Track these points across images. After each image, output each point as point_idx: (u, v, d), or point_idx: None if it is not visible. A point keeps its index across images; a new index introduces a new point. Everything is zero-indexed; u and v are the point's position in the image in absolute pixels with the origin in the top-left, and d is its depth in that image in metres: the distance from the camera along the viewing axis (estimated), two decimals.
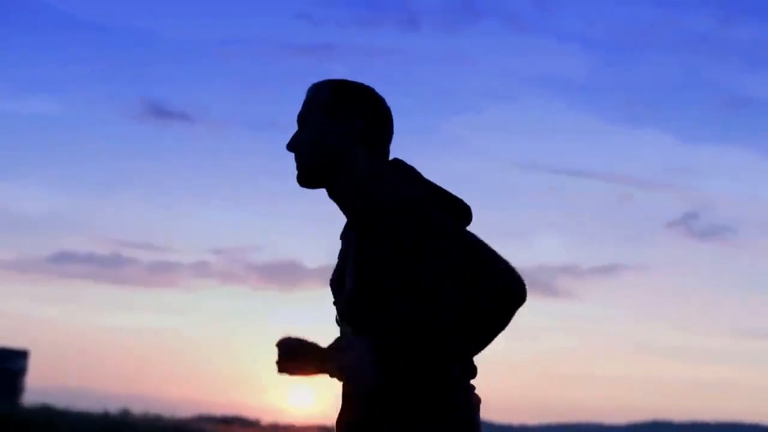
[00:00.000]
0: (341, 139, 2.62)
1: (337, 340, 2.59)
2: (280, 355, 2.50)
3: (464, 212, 2.59)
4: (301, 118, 2.68)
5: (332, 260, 2.70)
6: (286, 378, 2.53)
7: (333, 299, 2.67)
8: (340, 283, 2.63)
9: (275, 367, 2.52)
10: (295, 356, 2.49)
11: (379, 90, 2.71)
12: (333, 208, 2.71)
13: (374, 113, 2.65)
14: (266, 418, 26.21)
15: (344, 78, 2.71)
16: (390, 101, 2.71)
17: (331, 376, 2.51)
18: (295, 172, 2.68)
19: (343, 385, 2.57)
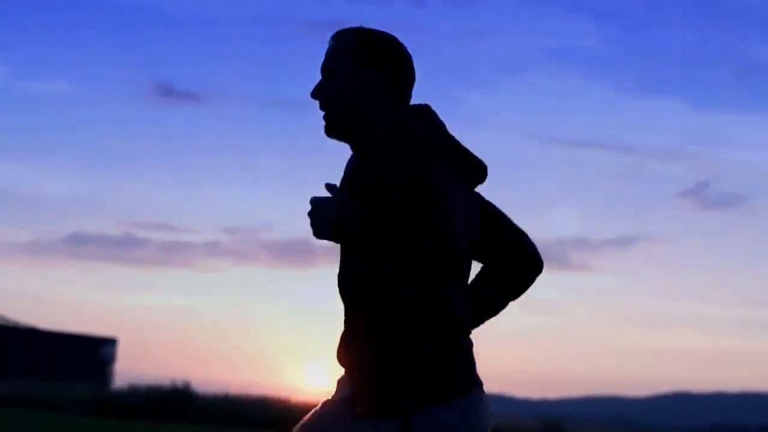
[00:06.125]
0: (371, 89, 2.61)
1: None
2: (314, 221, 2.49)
3: (478, 169, 2.62)
4: (328, 68, 2.65)
5: None
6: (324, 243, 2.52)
7: None
8: None
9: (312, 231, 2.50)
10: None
11: None
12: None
13: (399, 61, 2.65)
14: (285, 396, 25.78)
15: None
16: None
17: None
18: (322, 123, 2.65)
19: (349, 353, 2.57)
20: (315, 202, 2.47)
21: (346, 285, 2.58)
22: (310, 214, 2.46)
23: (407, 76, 2.66)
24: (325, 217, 2.43)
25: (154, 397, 24.21)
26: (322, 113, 2.66)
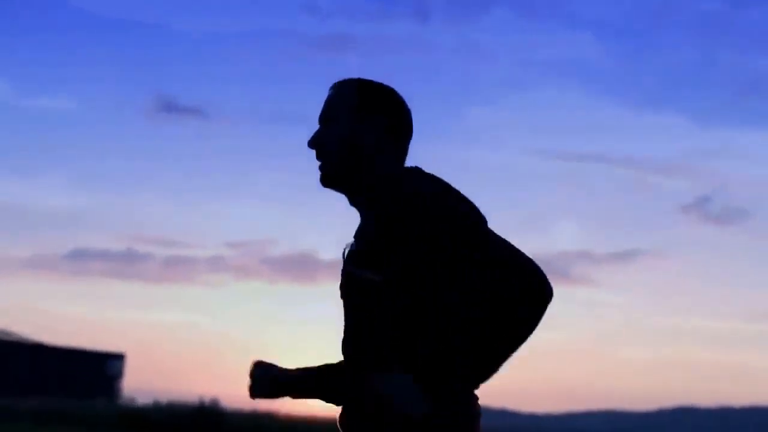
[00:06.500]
0: (369, 140, 2.59)
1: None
2: (253, 383, 2.58)
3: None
4: (326, 117, 2.63)
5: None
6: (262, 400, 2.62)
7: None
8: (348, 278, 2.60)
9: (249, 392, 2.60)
10: (268, 384, 2.55)
11: (395, 82, 2.69)
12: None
13: (399, 114, 2.63)
14: (291, 413, 26.26)
15: (361, 77, 2.67)
16: (405, 93, 2.69)
17: (367, 403, 2.46)
18: (317, 171, 2.64)
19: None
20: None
21: (355, 348, 2.55)
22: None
23: (407, 128, 2.65)
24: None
25: (180, 414, 24.35)
26: (318, 163, 2.63)
